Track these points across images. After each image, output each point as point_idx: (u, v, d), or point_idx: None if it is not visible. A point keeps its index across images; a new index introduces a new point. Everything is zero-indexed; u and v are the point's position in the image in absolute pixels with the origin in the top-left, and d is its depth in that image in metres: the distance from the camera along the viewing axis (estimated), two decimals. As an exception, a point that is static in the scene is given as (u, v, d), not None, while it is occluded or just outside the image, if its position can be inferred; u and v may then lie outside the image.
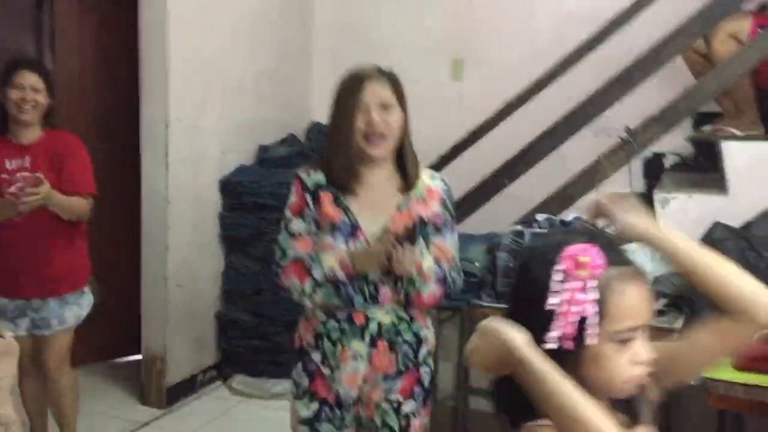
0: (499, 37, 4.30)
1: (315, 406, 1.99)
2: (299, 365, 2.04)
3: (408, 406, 2.00)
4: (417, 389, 2.01)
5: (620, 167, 3.09)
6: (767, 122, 3.22)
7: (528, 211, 3.14)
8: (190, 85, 3.75)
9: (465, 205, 3.48)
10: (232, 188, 4.02)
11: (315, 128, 4.52)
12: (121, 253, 4.09)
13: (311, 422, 2.00)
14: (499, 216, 3.49)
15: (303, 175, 1.98)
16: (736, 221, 2.72)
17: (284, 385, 3.53)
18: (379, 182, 1.94)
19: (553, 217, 2.88)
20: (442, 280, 1.94)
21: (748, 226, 2.75)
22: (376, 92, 1.89)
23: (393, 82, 1.93)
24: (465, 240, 2.98)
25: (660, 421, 2.60)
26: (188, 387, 3.92)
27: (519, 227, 2.86)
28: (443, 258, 1.97)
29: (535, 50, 4.12)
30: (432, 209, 1.96)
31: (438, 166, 3.88)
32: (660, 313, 2.62)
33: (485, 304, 2.79)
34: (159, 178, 3.67)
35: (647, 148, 3.06)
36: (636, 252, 2.59)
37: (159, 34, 3.58)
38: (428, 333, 2.05)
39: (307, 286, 1.90)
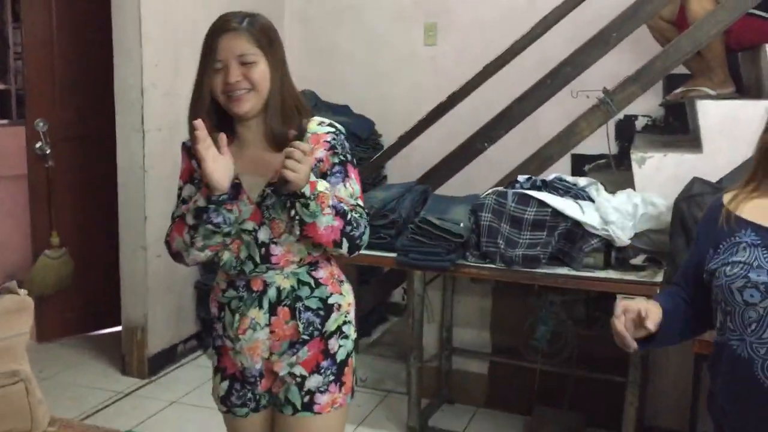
0: (471, 0, 4.30)
1: (225, 384, 1.85)
2: (211, 340, 1.91)
3: (312, 381, 1.78)
4: (325, 362, 1.79)
5: (597, 128, 3.14)
6: (736, 81, 3.30)
7: (507, 173, 3.19)
8: (164, 49, 3.67)
9: (444, 169, 3.51)
10: (208, 156, 3.95)
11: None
12: (97, 223, 4.04)
13: (225, 401, 1.86)
14: (478, 179, 3.55)
15: (187, 141, 1.81)
16: (710, 178, 2.79)
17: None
18: (257, 139, 1.75)
19: (534, 177, 2.92)
20: (342, 215, 1.68)
21: (722, 182, 2.82)
22: (232, 48, 1.67)
23: (255, 33, 1.68)
24: (447, 202, 3.03)
25: (640, 369, 2.67)
26: (169, 356, 3.92)
27: (501, 188, 2.90)
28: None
29: (508, 13, 4.13)
30: (316, 156, 1.72)
31: (416, 130, 3.90)
32: (640, 268, 2.69)
33: (470, 263, 2.84)
34: (135, 146, 3.61)
35: (624, 109, 3.10)
36: (619, 209, 2.66)
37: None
38: (341, 299, 1.83)
39: (186, 235, 1.69)
